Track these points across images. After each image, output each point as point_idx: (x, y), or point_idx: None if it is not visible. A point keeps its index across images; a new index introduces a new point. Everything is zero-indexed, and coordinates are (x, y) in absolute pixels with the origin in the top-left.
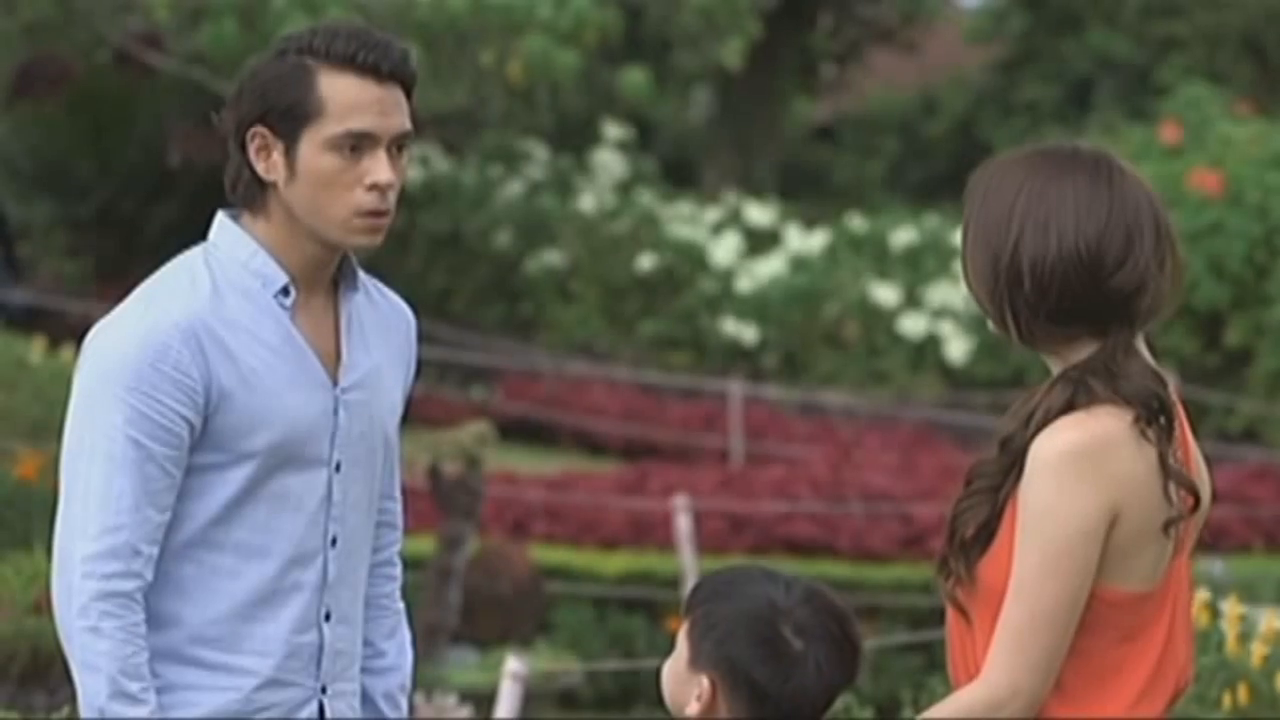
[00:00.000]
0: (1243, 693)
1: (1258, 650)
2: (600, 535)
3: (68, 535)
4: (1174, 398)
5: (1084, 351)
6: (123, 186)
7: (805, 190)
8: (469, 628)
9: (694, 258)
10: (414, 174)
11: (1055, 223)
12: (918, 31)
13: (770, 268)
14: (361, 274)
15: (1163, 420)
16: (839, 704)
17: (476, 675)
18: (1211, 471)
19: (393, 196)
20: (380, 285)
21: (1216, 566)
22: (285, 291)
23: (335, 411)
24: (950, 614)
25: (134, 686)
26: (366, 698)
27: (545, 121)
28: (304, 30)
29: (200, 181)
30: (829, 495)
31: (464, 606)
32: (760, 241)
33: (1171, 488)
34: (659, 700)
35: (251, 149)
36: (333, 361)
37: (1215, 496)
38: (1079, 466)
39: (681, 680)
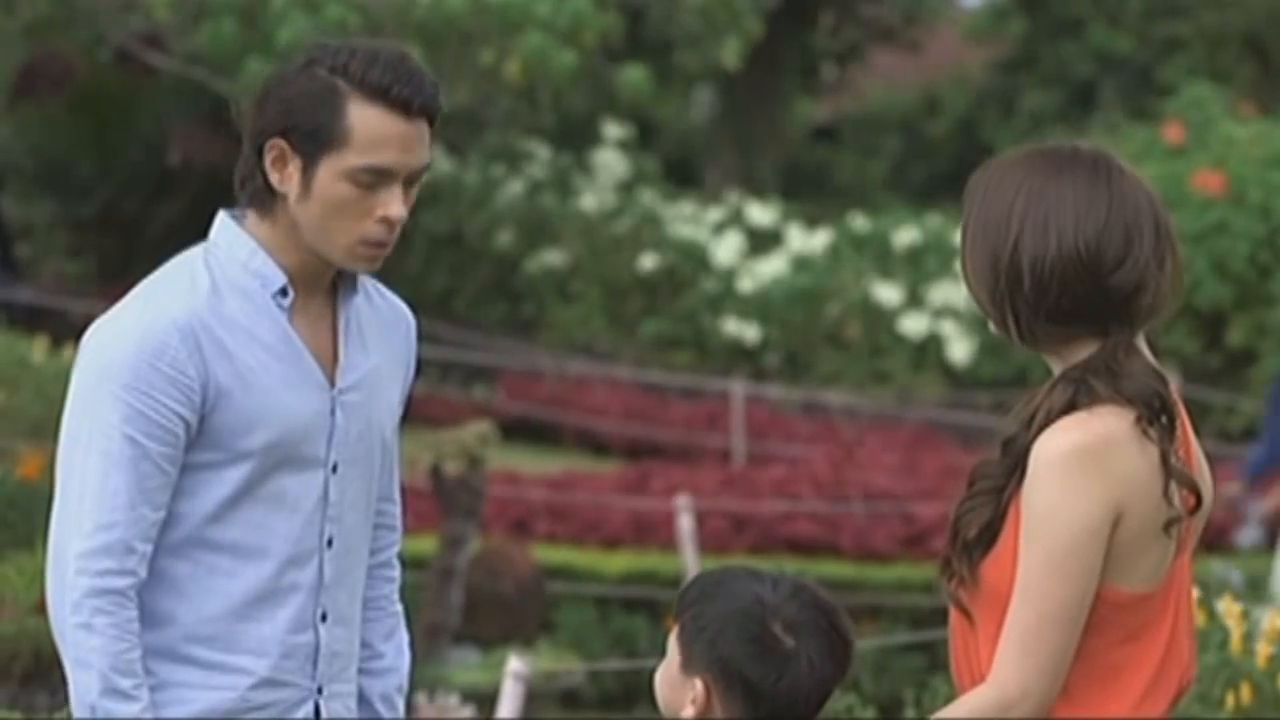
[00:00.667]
0: (1246, 692)
1: (1262, 650)
2: (602, 535)
3: (62, 531)
4: (1175, 397)
5: (1085, 351)
6: (124, 186)
7: (807, 190)
8: (471, 627)
9: (696, 257)
10: None
11: (1055, 222)
12: (919, 31)
13: (772, 267)
14: (361, 275)
15: (1164, 419)
16: (841, 704)
17: (479, 675)
18: (1214, 472)
19: (399, 228)
20: (380, 286)
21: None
22: (284, 292)
23: (332, 412)
24: (953, 615)
25: (126, 683)
26: (363, 699)
27: (547, 121)
28: (341, 47)
29: (202, 181)
30: (831, 495)
31: (466, 606)
32: (762, 241)
33: (1173, 487)
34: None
35: (268, 157)
36: (330, 363)
37: (1218, 496)
38: (1082, 466)
39: (675, 685)
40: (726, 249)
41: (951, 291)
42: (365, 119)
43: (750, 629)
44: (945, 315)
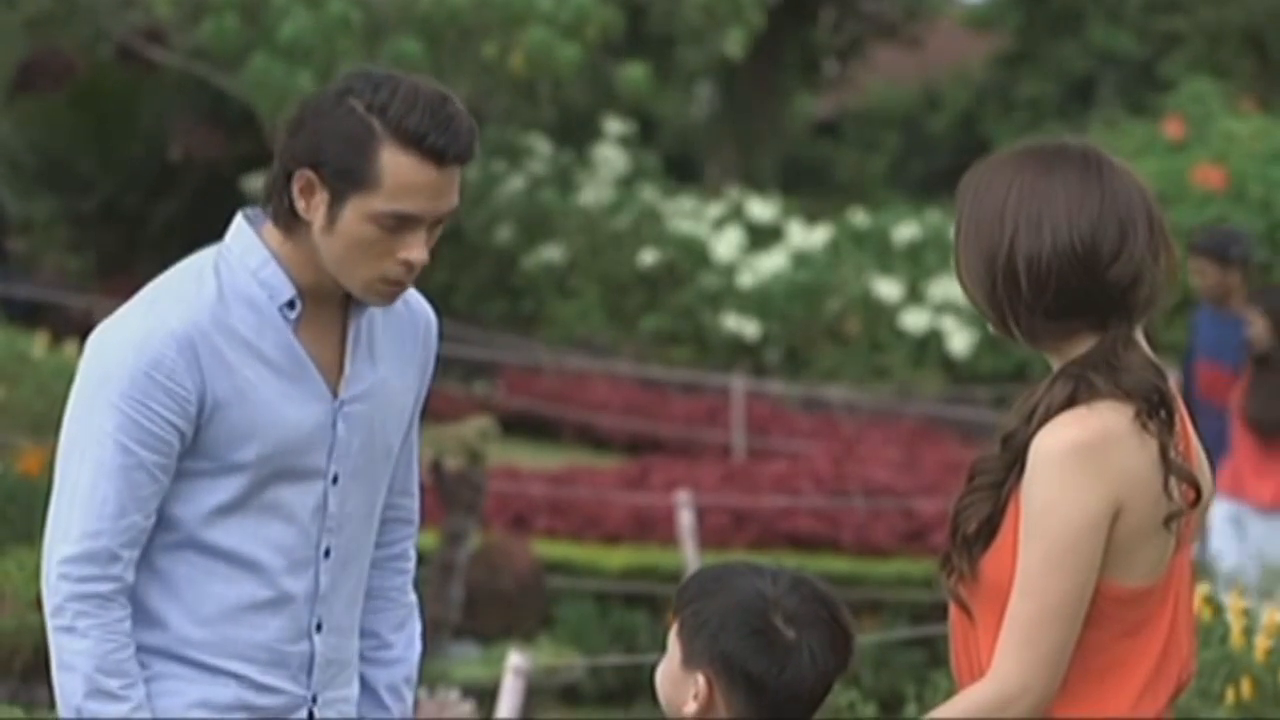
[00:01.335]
0: (1246, 687)
1: (1261, 644)
2: (603, 530)
3: (51, 535)
4: (1174, 391)
5: (1084, 346)
6: (125, 181)
7: (807, 185)
8: (471, 623)
9: (696, 253)
10: None
11: (1048, 219)
12: (920, 27)
13: (772, 263)
14: None
15: (1163, 413)
16: (843, 700)
17: (479, 670)
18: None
19: (420, 268)
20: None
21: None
22: (291, 305)
23: (334, 424)
24: (953, 610)
25: (113, 684)
26: (369, 689)
27: (547, 116)
28: (383, 81)
29: (202, 176)
30: (831, 490)
31: (466, 601)
32: (762, 237)
33: (1173, 482)
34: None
35: (295, 184)
36: (336, 373)
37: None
38: (1081, 462)
39: (676, 681)
40: (727, 244)
41: (951, 287)
42: (397, 165)
43: (752, 623)
44: (945, 310)
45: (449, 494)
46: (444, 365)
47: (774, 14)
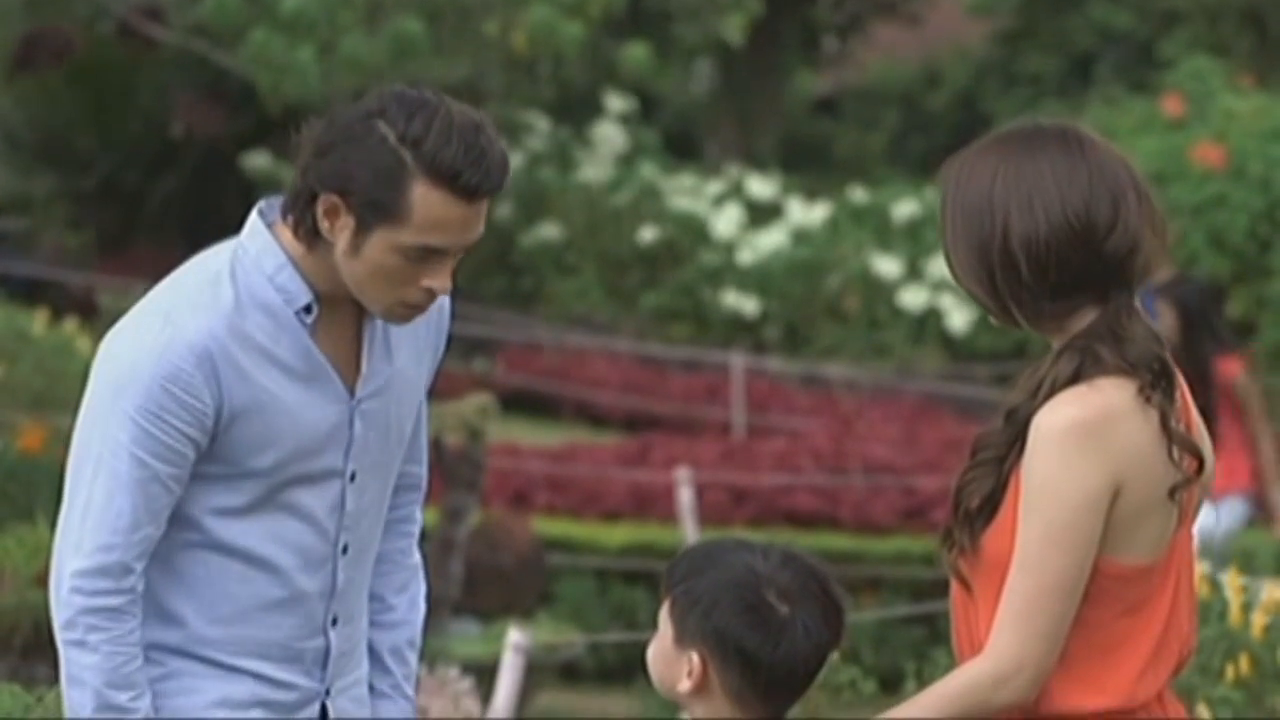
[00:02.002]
0: (1245, 664)
1: (1259, 621)
2: (602, 507)
3: (63, 545)
4: (1173, 362)
5: (1086, 321)
6: (125, 159)
7: (807, 163)
8: (471, 600)
9: (695, 230)
10: None
11: (1039, 199)
12: (919, 4)
13: (772, 240)
14: None
15: (1165, 384)
16: (843, 677)
17: (478, 647)
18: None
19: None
20: None
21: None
22: (308, 309)
23: (351, 423)
24: (954, 586)
25: (122, 697)
26: (373, 653)
27: (546, 94)
28: (417, 106)
29: (203, 153)
30: (831, 467)
31: (466, 578)
32: (762, 214)
33: (1175, 451)
34: None
35: (320, 206)
36: (353, 371)
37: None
38: (1080, 441)
39: (669, 659)
40: (726, 222)
41: None
42: (428, 202)
43: (745, 599)
44: (945, 288)
45: (449, 471)
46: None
47: None
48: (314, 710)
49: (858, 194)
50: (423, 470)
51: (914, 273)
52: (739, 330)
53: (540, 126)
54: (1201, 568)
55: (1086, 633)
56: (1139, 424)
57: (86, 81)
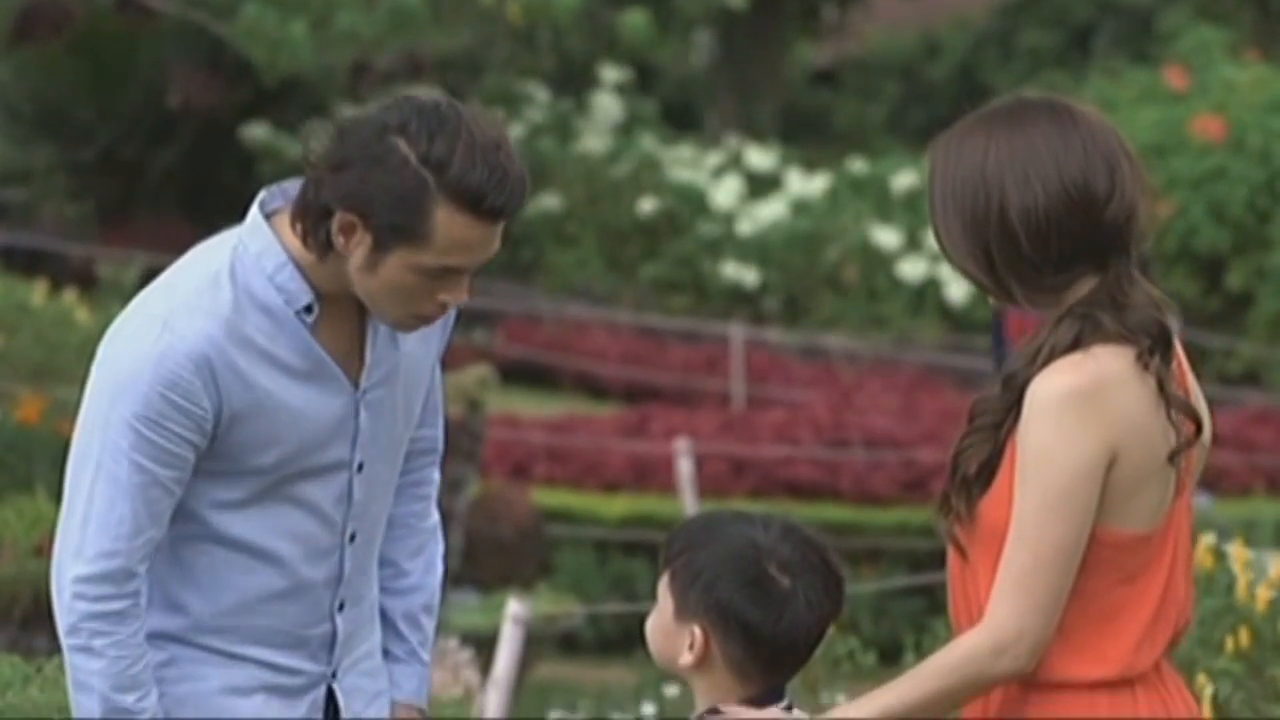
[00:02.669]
0: (1245, 637)
1: (1262, 594)
2: (602, 478)
3: (63, 550)
4: (1175, 325)
5: (1084, 290)
6: (124, 130)
7: (806, 134)
8: (470, 571)
9: (695, 201)
10: None
11: (1035, 172)
12: None
13: (771, 211)
14: None
15: (1163, 349)
16: (841, 649)
17: (478, 618)
18: (1212, 414)
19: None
20: None
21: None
22: (308, 309)
23: (356, 414)
24: (951, 554)
25: (129, 699)
26: (387, 620)
27: (546, 64)
28: (438, 125)
29: (201, 125)
30: (830, 439)
31: (465, 549)
32: (761, 185)
33: (1173, 415)
34: None
35: (336, 223)
36: (357, 361)
37: (1216, 439)
38: (1076, 409)
39: (669, 633)
40: (725, 193)
41: None
42: (450, 225)
43: (747, 572)
44: (943, 259)
45: (448, 442)
46: None
47: None
48: (320, 694)
49: (857, 165)
50: (438, 433)
51: (913, 244)
52: (738, 301)
53: (539, 97)
54: (1206, 539)
55: (1084, 602)
56: (1136, 391)
57: (85, 53)
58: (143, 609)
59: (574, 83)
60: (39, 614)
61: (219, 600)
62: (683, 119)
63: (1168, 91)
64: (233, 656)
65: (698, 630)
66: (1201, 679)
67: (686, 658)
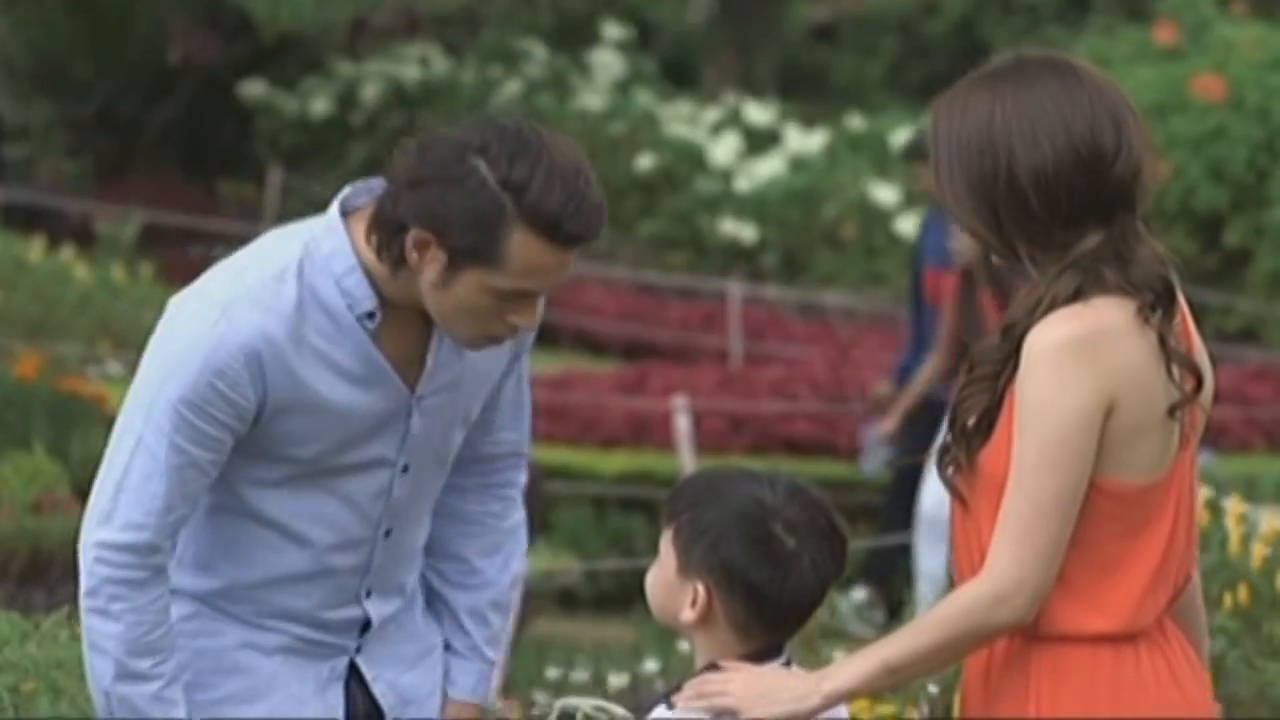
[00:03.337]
0: (1243, 593)
1: (1258, 551)
2: (600, 435)
3: (94, 511)
4: (1178, 281)
5: (1090, 245)
6: (122, 86)
7: (805, 90)
8: None
9: (693, 158)
10: (413, 74)
11: (1043, 130)
12: None
13: (769, 168)
14: None
15: (1166, 304)
16: (846, 607)
17: None
18: (1214, 371)
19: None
20: None
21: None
22: (370, 315)
23: (408, 415)
24: (952, 504)
25: (144, 664)
26: (450, 612)
27: (544, 21)
28: (518, 148)
29: (201, 81)
30: (828, 395)
31: None
32: (759, 141)
33: (1174, 370)
34: None
35: (410, 239)
36: (417, 367)
37: (1216, 396)
38: (1073, 357)
39: (672, 589)
40: (724, 149)
41: None
42: (526, 249)
43: (753, 532)
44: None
45: None
46: None
47: None
48: (341, 663)
49: (855, 121)
50: (522, 437)
51: (911, 200)
52: (736, 258)
53: (538, 54)
54: (1204, 492)
55: (1085, 552)
56: (1135, 342)
57: (84, 8)
58: (166, 578)
59: (572, 39)
60: (37, 570)
61: (247, 574)
62: (681, 75)
63: (1159, 49)
64: (255, 625)
65: (701, 587)
66: None
67: (689, 614)
